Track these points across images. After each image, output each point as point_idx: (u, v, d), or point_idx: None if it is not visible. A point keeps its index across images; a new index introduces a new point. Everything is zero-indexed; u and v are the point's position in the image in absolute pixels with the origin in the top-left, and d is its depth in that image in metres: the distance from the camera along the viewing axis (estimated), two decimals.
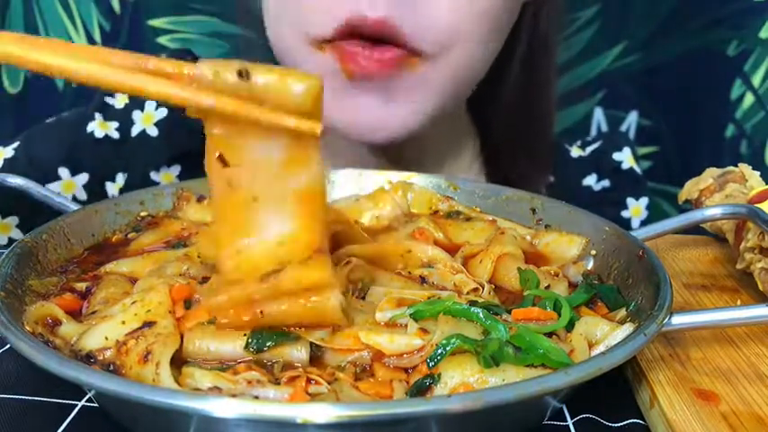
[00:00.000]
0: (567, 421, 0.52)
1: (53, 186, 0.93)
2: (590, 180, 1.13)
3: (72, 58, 0.45)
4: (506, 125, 1.05)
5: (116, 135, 0.97)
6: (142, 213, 0.73)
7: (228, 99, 0.46)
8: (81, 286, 0.59)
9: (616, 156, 1.13)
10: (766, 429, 0.49)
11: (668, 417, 0.50)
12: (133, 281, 0.59)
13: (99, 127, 0.97)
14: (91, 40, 1.44)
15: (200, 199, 0.75)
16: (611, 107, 1.47)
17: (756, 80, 1.35)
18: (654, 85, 1.44)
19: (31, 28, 1.44)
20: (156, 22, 1.43)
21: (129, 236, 0.70)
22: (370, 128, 0.83)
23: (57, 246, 0.63)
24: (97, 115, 0.97)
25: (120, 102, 0.99)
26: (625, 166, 1.13)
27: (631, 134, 1.48)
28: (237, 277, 0.50)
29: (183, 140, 0.98)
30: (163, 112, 0.98)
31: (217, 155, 0.49)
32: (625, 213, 1.12)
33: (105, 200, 0.72)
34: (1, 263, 0.56)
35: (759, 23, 1.32)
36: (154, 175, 0.99)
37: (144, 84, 0.45)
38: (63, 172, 0.94)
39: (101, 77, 0.45)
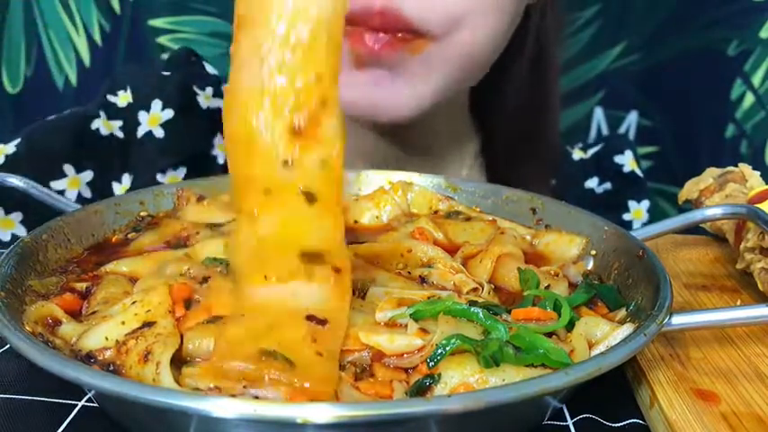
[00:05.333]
0: (566, 421, 0.52)
1: (58, 183, 0.93)
2: (592, 183, 1.13)
3: None
4: (510, 127, 1.05)
5: (120, 134, 0.97)
6: (142, 213, 0.73)
7: None
8: (81, 286, 0.59)
9: (618, 159, 1.14)
10: (766, 429, 0.49)
11: (668, 417, 0.50)
12: (133, 281, 0.59)
13: (104, 125, 0.96)
14: (91, 40, 1.44)
15: (200, 199, 0.74)
16: (611, 107, 1.47)
17: (756, 80, 1.35)
18: (654, 85, 1.44)
19: (30, 28, 1.44)
20: (156, 22, 1.43)
21: (130, 236, 0.70)
22: (374, 107, 0.85)
23: (57, 246, 0.63)
24: (101, 113, 0.97)
25: (122, 100, 0.99)
26: (627, 169, 1.13)
27: (631, 134, 1.48)
28: None
29: (190, 143, 0.99)
30: (169, 113, 0.98)
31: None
32: (626, 216, 1.13)
33: (105, 199, 0.72)
34: (1, 262, 0.56)
35: (759, 23, 1.33)
36: (160, 177, 0.98)
37: None
38: (68, 169, 0.94)
39: None
